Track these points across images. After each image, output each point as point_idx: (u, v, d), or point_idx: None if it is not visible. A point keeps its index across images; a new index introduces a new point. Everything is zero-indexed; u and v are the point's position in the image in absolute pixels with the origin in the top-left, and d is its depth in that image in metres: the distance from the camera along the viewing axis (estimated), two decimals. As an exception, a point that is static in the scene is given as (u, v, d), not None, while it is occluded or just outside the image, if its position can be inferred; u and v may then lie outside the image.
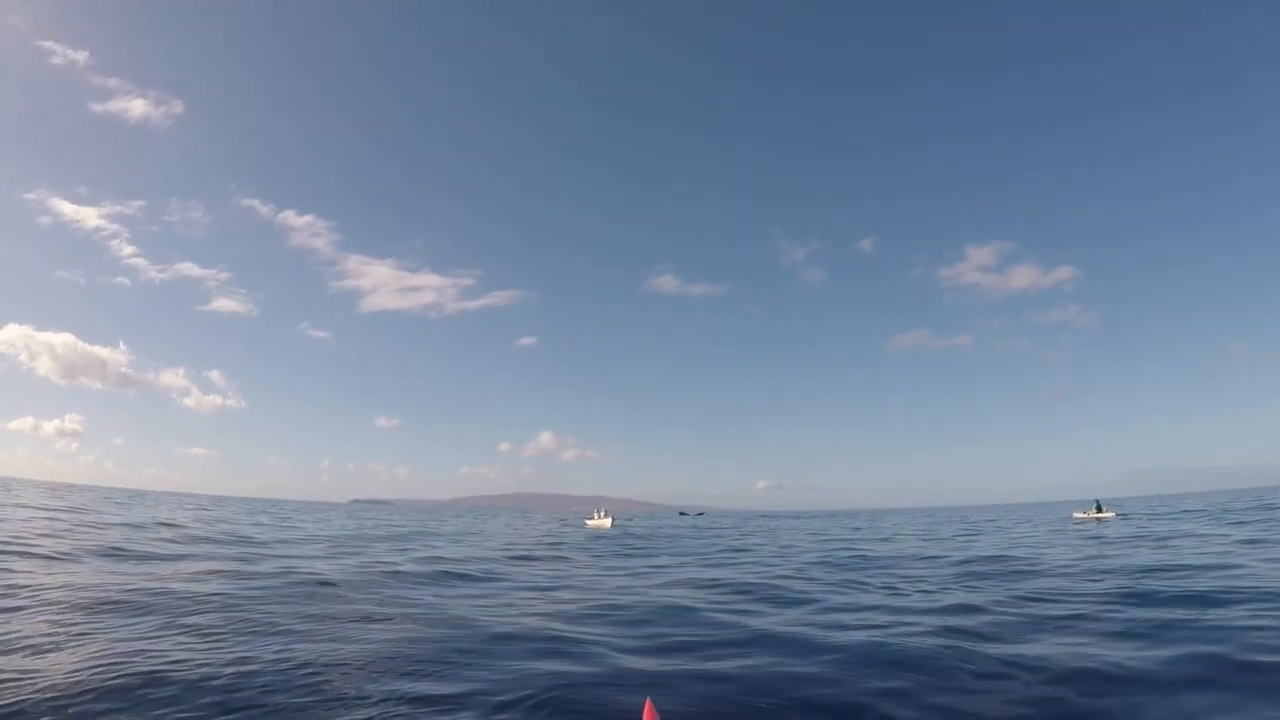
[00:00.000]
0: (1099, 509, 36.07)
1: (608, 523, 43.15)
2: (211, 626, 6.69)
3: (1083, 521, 33.54)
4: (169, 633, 6.39)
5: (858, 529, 31.85)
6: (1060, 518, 41.28)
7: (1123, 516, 33.34)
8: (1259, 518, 24.40)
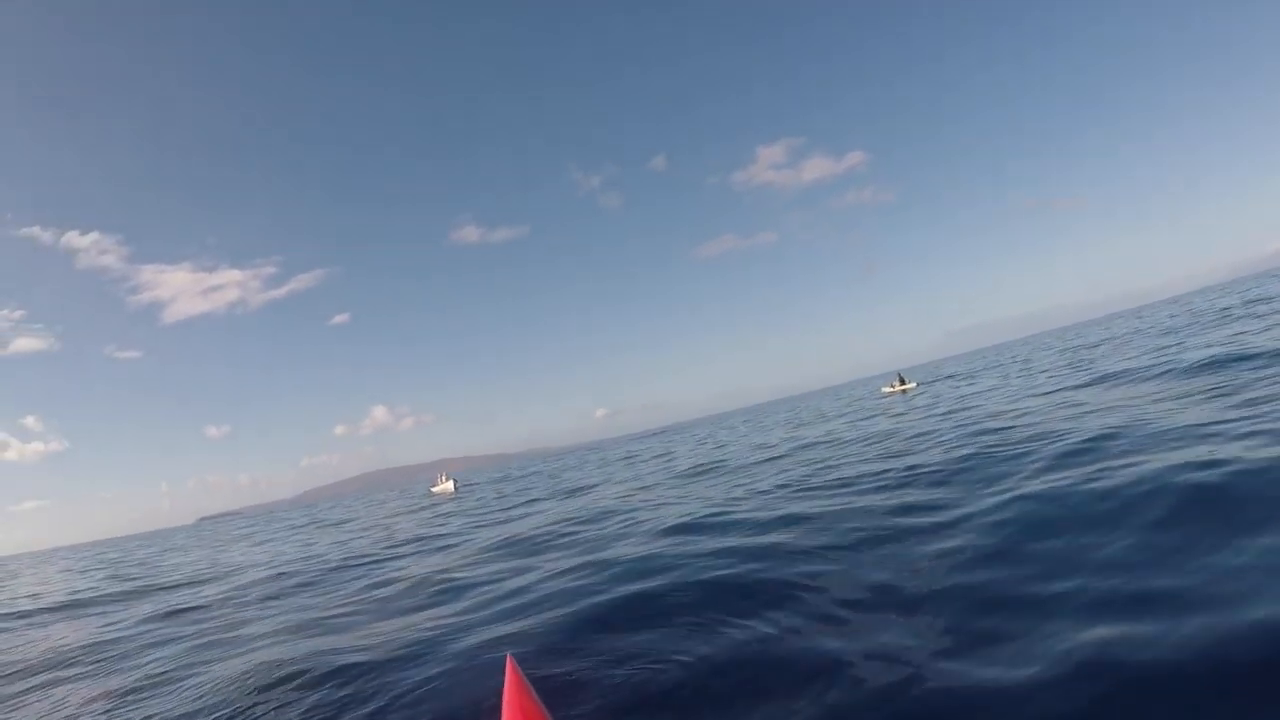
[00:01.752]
0: (901, 381, 36.97)
1: (451, 486, 41.18)
2: None
3: (889, 395, 34.15)
4: None
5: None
6: (871, 392, 42.53)
7: (925, 385, 34.22)
8: (1015, 371, 25.31)
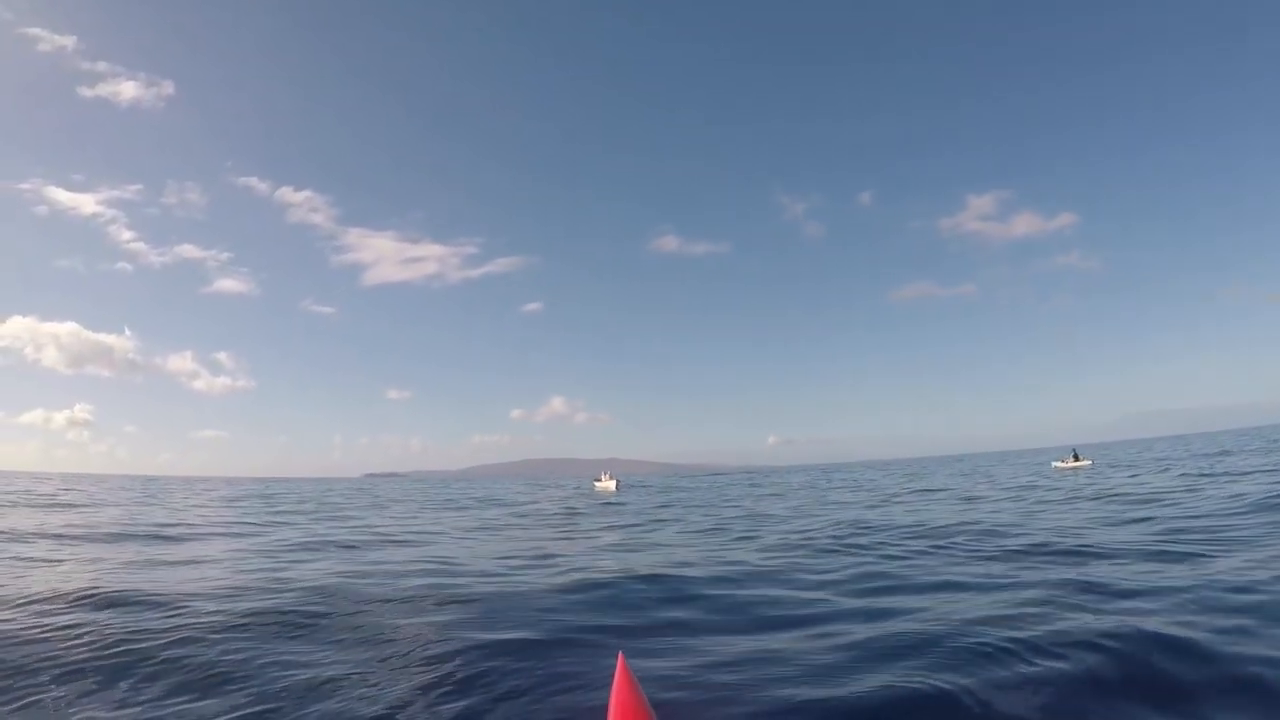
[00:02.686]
0: (1076, 457, 36.21)
1: (613, 485, 42.61)
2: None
3: (1061, 471, 33.72)
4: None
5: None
6: (1042, 464, 41.52)
7: (1096, 466, 33.47)
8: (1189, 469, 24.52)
